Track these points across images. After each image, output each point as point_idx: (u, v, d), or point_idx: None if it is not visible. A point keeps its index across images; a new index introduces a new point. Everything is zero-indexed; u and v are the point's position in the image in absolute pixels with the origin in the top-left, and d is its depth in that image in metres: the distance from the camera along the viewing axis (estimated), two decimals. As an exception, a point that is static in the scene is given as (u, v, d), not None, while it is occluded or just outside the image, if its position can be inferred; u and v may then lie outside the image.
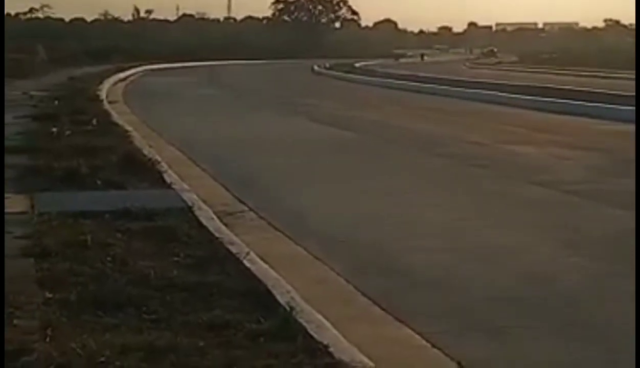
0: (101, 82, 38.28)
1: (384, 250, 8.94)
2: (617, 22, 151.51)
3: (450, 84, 39.54)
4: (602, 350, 6.05)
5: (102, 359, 5.11)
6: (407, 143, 18.83)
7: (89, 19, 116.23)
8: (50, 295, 6.34)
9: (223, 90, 41.25)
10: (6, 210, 9.66)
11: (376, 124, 23.21)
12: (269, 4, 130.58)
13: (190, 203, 10.11)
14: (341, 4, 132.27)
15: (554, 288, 7.56)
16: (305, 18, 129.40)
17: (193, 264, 7.37)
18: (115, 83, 42.21)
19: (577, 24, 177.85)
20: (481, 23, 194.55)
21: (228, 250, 7.82)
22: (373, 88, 43.16)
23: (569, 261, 8.53)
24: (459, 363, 5.73)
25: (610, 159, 15.86)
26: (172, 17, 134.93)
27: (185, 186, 11.67)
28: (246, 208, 10.90)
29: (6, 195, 10.53)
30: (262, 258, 7.66)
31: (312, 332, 5.68)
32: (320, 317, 6.12)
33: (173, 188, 11.37)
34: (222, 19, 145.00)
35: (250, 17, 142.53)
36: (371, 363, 5.39)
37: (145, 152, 14.51)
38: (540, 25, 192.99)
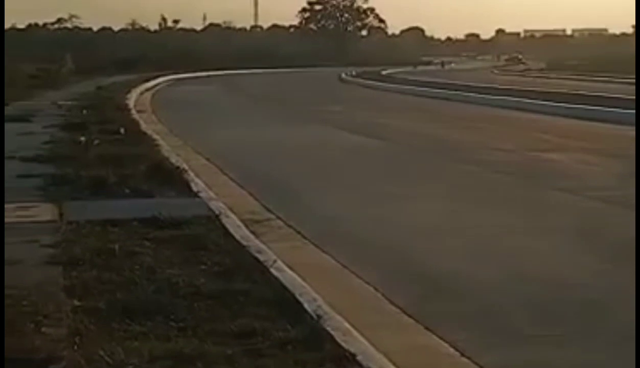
0: (129, 92, 38.46)
1: (407, 255, 8.90)
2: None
3: (477, 91, 39.42)
4: (627, 355, 5.97)
5: (130, 367, 5.12)
6: (432, 150, 18.79)
7: (116, 29, 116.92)
8: (78, 303, 6.37)
9: (250, 99, 41.33)
10: (35, 218, 9.76)
11: (403, 131, 23.17)
12: (295, 12, 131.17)
13: (217, 212, 10.13)
14: (368, 12, 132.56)
15: (580, 294, 7.51)
16: (332, 26, 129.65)
17: (220, 272, 7.36)
18: (143, 92, 42.40)
19: (605, 30, 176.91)
20: (509, 30, 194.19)
21: (255, 258, 7.82)
22: (400, 95, 43.10)
23: (597, 267, 8.47)
24: (487, 371, 5.70)
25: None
26: (199, 27, 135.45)
27: (212, 194, 11.69)
28: (273, 216, 10.90)
29: (34, 203, 10.62)
30: (289, 267, 7.65)
31: (339, 340, 5.66)
32: (347, 325, 6.10)
33: (200, 197, 11.39)
34: (248, 27, 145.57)
35: (276, 26, 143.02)
36: (399, 372, 5.37)
37: (173, 160, 14.55)
38: (568, 32, 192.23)
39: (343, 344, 5.60)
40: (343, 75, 67.85)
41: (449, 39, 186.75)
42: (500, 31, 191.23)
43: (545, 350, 6.18)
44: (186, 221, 9.40)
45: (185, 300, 6.48)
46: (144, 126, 22.27)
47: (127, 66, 62.96)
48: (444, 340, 6.27)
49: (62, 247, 8.11)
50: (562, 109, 28.30)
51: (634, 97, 28.72)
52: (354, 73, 70.70)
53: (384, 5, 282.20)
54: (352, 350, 5.50)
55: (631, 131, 21.33)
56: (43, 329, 5.76)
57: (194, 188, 12.00)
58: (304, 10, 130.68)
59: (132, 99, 35.13)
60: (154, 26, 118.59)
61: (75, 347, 5.44)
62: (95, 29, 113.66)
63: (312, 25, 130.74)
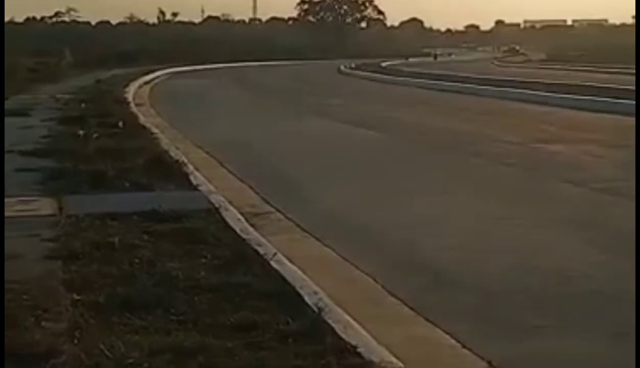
0: (127, 85, 38.43)
1: (412, 248, 8.89)
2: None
3: (478, 83, 39.39)
4: (630, 348, 5.96)
5: (131, 361, 5.10)
6: (435, 142, 18.76)
7: (114, 22, 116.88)
8: (78, 297, 6.35)
9: (249, 91, 41.29)
10: (34, 212, 9.74)
11: (404, 123, 23.15)
12: (294, 4, 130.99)
13: (217, 205, 10.11)
14: (367, 4, 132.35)
15: (584, 286, 7.50)
16: (330, 18, 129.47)
17: (220, 265, 7.35)
18: (142, 86, 42.35)
19: (606, 20, 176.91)
20: (509, 20, 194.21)
21: (255, 251, 7.80)
22: (400, 87, 43.08)
23: (600, 259, 8.46)
24: (489, 362, 5.68)
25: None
26: (197, 19, 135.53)
27: (212, 187, 11.67)
28: (273, 209, 10.88)
29: (34, 197, 10.60)
30: (289, 259, 7.63)
31: (340, 333, 5.64)
32: (348, 317, 6.09)
33: (200, 190, 11.38)
34: (247, 20, 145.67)
35: (275, 18, 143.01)
36: (400, 364, 5.35)
37: (172, 154, 14.53)
38: (569, 22, 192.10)
39: (344, 337, 5.59)
40: (342, 67, 67.82)
41: (448, 30, 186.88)
42: (500, 22, 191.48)
43: (547, 341, 6.16)
44: (186, 214, 9.38)
45: (186, 294, 6.46)
46: (142, 119, 22.25)
47: (126, 59, 62.86)
48: (445, 332, 6.26)
49: (61, 241, 8.09)
50: (569, 100, 28.19)
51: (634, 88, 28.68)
52: (353, 65, 70.68)
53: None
54: (353, 342, 5.49)
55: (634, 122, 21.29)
56: (43, 323, 5.75)
57: (194, 182, 11.98)
58: (302, 2, 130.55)
59: (131, 92, 35.10)
60: (152, 19, 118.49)
61: (76, 341, 5.43)
62: (93, 22, 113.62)
63: (310, 18, 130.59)
